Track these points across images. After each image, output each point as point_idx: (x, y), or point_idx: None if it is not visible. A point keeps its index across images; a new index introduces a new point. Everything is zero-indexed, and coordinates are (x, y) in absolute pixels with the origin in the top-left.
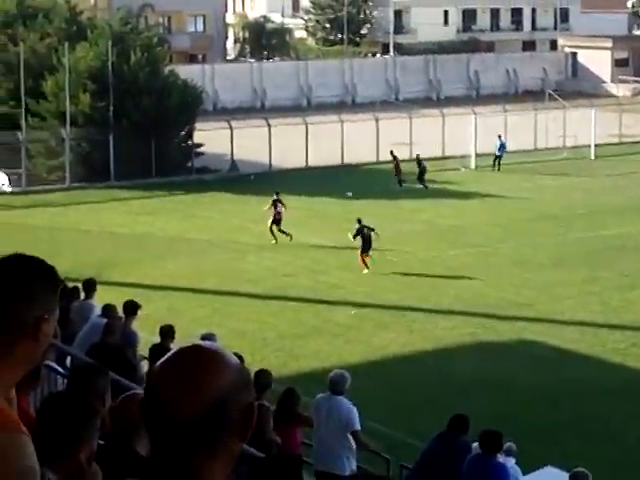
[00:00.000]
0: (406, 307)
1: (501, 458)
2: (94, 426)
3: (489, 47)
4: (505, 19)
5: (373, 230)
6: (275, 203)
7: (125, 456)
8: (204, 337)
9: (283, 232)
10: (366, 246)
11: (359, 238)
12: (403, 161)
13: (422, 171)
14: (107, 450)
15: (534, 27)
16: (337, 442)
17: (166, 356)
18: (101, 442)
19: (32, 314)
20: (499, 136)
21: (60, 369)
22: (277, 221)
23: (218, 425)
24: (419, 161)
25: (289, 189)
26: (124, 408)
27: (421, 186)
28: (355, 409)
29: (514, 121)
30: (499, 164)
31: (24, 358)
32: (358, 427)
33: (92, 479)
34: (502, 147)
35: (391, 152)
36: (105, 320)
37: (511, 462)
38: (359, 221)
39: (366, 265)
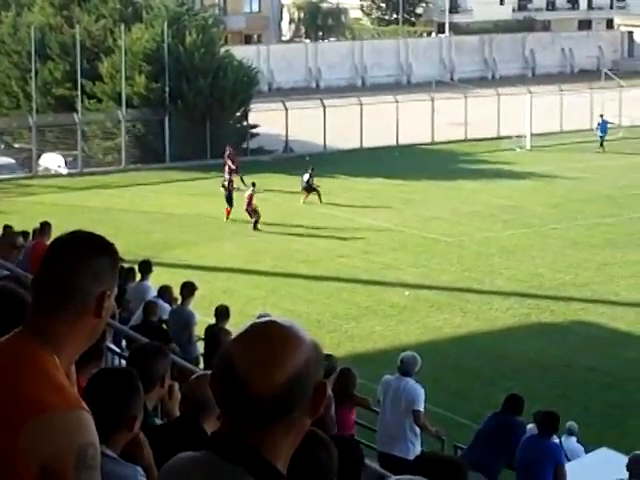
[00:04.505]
0: (460, 288)
1: (563, 437)
2: (142, 399)
3: (545, 26)
4: None
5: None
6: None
7: (194, 435)
8: (260, 317)
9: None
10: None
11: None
12: (458, 141)
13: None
14: (176, 429)
15: (590, 6)
16: (402, 424)
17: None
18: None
19: (95, 290)
20: (601, 116)
21: (117, 349)
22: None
23: (292, 401)
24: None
25: (344, 170)
26: (195, 387)
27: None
28: (422, 391)
29: (570, 101)
30: (601, 144)
31: (86, 334)
32: (421, 408)
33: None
34: (603, 126)
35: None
36: (160, 301)
37: (573, 441)
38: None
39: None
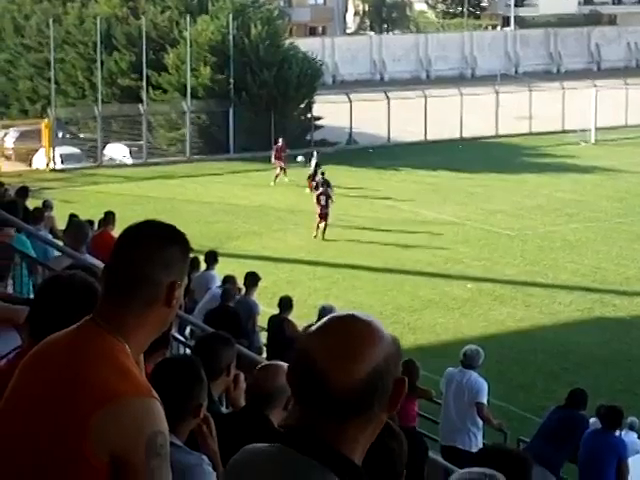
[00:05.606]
0: (524, 281)
1: (623, 432)
2: (205, 387)
3: (611, 20)
4: None
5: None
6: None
7: (260, 425)
8: (323, 308)
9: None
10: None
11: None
12: (522, 135)
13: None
14: (242, 419)
15: None
16: (465, 417)
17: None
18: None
19: (167, 279)
20: None
21: (182, 338)
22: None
23: (372, 396)
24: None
25: (407, 162)
26: (261, 378)
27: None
28: (486, 384)
29: (635, 95)
30: None
31: (156, 323)
32: (484, 400)
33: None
34: None
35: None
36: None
37: (633, 436)
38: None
39: None
